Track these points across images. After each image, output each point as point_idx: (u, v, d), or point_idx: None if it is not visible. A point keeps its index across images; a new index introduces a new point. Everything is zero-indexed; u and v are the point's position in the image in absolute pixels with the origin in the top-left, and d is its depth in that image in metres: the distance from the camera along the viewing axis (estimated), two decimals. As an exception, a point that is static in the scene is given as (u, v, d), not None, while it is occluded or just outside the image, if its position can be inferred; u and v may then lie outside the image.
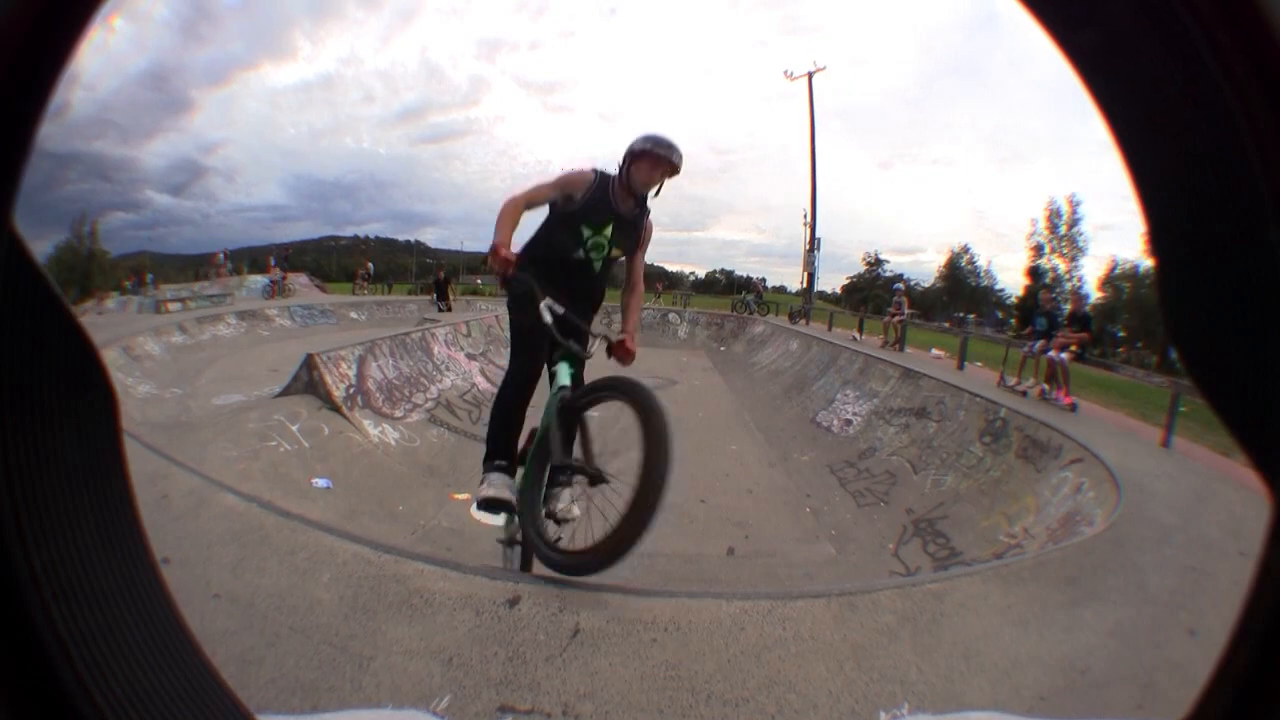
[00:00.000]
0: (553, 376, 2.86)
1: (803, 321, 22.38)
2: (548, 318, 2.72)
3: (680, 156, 2.84)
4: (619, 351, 2.91)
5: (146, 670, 0.52)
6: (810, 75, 30.09)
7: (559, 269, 2.94)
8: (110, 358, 8.87)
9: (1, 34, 0.39)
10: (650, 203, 3.01)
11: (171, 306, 16.72)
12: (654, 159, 2.82)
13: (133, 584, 0.54)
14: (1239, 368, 0.37)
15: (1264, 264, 0.34)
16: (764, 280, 30.02)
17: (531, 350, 2.90)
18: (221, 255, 29.98)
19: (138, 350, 10.41)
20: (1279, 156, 0.33)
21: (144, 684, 0.51)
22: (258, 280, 24.71)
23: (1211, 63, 0.33)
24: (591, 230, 2.93)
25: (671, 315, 24.45)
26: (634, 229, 3.01)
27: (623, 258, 3.07)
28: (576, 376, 2.87)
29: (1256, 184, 0.33)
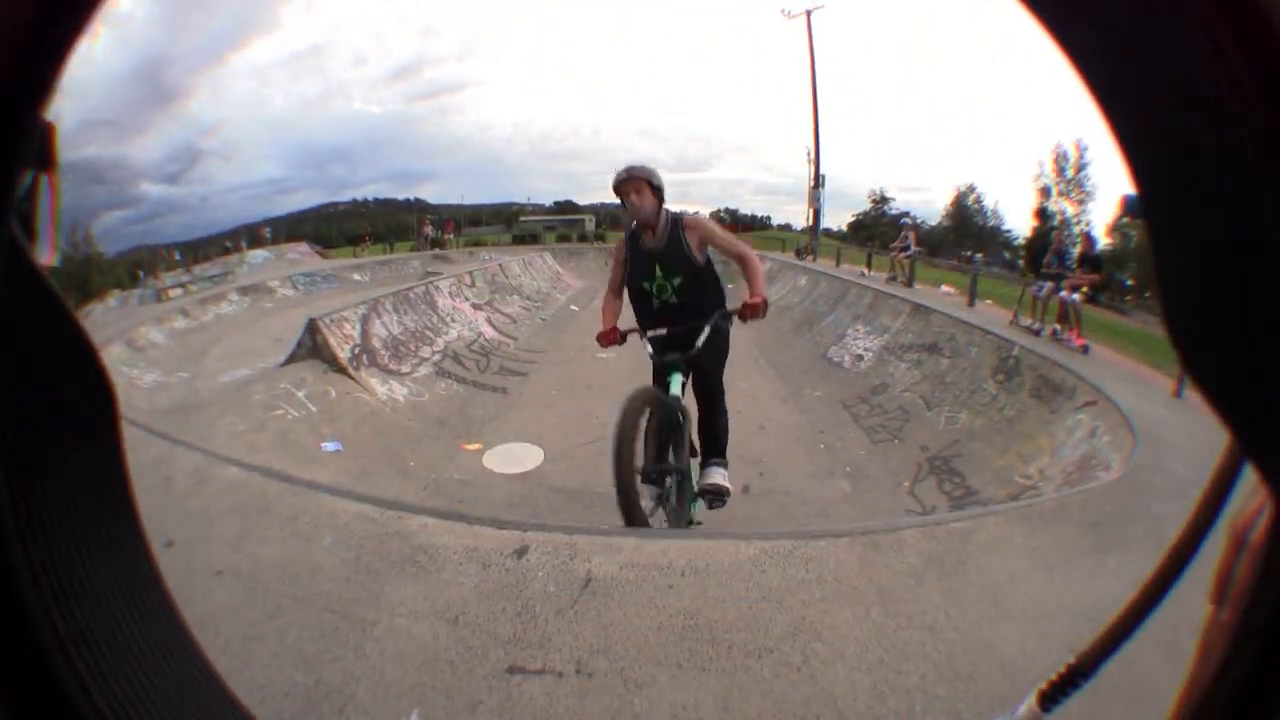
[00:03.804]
0: (666, 388, 3.35)
1: (809, 258, 22.01)
2: (648, 349, 3.47)
3: (636, 170, 3.27)
4: (744, 312, 3.30)
5: (146, 670, 0.52)
6: (809, 13, 28.95)
7: (653, 315, 3.50)
8: (114, 353, 8.83)
9: (1, 34, 0.39)
10: (676, 205, 3.40)
11: (173, 293, 16.53)
12: (621, 189, 3.30)
13: (133, 584, 0.54)
14: (1239, 367, 0.37)
15: (1264, 263, 0.34)
16: (768, 218, 29.58)
17: (655, 374, 3.51)
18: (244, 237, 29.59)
19: (141, 341, 10.27)
20: (1279, 156, 0.32)
21: (144, 684, 0.51)
22: (258, 255, 24.44)
23: (1211, 62, 0.32)
24: (649, 279, 3.45)
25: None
26: (678, 248, 3.39)
27: (691, 270, 3.42)
28: (681, 382, 3.37)
29: (1256, 184, 0.33)
